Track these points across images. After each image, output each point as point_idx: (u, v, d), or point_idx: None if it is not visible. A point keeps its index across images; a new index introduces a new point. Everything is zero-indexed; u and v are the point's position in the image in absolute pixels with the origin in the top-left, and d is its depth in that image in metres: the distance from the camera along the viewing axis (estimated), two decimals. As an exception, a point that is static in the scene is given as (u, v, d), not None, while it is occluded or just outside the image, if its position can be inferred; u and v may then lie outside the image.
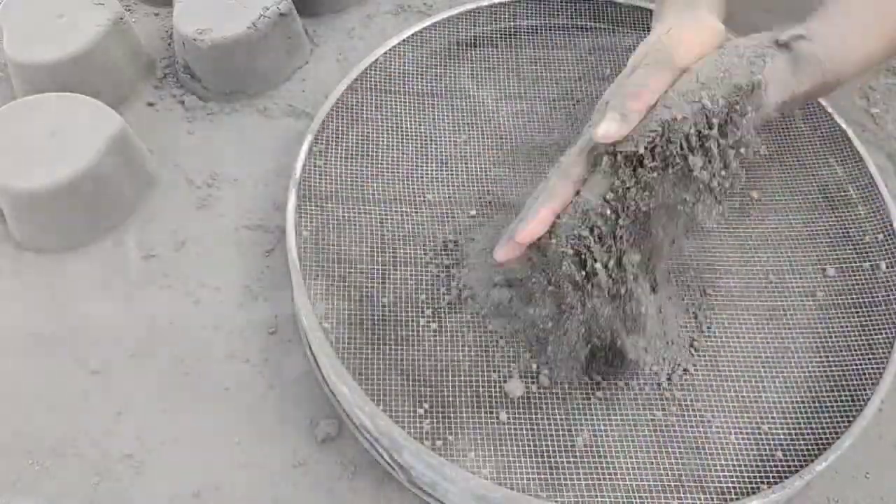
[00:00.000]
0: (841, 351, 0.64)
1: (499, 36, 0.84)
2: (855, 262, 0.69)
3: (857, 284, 0.68)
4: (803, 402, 0.61)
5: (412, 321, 0.63)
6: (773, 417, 0.60)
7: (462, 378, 0.60)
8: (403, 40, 0.80)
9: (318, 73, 0.89)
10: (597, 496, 0.55)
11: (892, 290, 0.66)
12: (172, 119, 0.84)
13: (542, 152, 0.75)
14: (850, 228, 0.71)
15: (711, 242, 0.69)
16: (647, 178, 0.48)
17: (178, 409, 0.64)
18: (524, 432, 0.58)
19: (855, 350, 0.64)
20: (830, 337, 0.65)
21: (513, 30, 0.85)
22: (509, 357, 0.61)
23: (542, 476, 0.56)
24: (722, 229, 0.70)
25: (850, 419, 0.58)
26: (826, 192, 0.74)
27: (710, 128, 0.47)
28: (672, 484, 0.56)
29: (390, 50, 0.79)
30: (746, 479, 0.56)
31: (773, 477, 0.56)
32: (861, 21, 0.55)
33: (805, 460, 0.57)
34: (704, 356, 0.63)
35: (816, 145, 0.77)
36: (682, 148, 0.47)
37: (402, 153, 0.74)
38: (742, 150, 0.49)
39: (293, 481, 0.61)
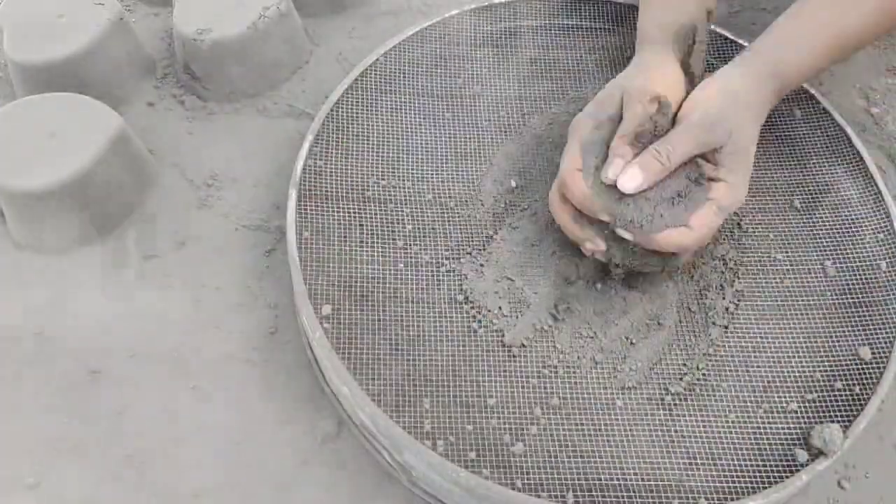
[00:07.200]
0: (841, 351, 0.64)
1: (499, 36, 0.84)
2: (855, 262, 0.69)
3: (857, 284, 0.67)
4: (803, 402, 0.61)
5: (412, 321, 0.63)
6: (773, 417, 0.60)
7: (463, 378, 0.60)
8: (403, 40, 0.80)
9: (318, 73, 0.89)
10: (598, 496, 0.55)
11: (892, 289, 0.66)
12: (172, 119, 0.84)
13: (541, 152, 0.75)
14: (850, 228, 0.71)
15: (712, 244, 0.69)
16: None
17: (178, 409, 0.64)
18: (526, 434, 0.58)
19: (855, 350, 0.64)
20: (830, 337, 0.65)
21: (513, 30, 0.85)
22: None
23: (545, 473, 0.56)
24: (723, 231, 0.70)
25: (851, 419, 0.59)
26: (826, 192, 0.74)
27: None
28: (673, 484, 0.56)
29: (390, 50, 0.79)
30: (747, 479, 0.56)
31: (774, 477, 0.56)
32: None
33: (805, 461, 0.57)
34: (705, 356, 0.63)
35: (816, 145, 0.77)
36: None
37: (403, 153, 0.74)
38: None
39: (293, 481, 0.61)
